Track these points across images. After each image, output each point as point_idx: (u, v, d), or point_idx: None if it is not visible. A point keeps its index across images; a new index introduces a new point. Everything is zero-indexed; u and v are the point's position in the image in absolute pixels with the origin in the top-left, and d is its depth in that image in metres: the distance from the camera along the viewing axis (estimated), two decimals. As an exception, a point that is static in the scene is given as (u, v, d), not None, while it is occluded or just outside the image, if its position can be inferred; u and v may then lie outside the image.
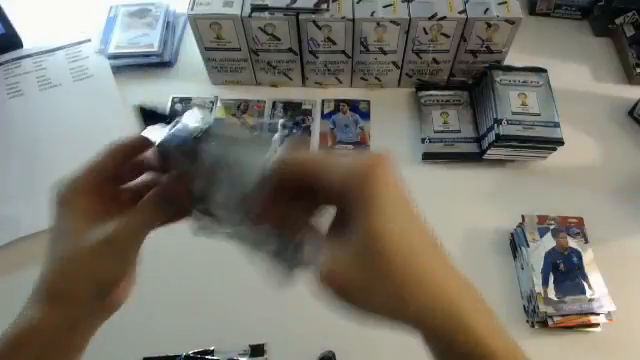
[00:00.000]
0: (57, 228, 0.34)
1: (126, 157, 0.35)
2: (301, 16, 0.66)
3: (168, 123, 0.33)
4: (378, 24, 0.66)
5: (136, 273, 0.37)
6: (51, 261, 0.34)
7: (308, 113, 0.75)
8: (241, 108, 0.76)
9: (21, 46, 0.80)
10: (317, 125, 0.74)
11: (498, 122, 0.65)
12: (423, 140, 0.71)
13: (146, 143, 0.35)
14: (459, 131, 0.71)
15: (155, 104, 0.34)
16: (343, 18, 0.66)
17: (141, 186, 0.36)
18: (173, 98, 0.76)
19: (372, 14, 0.66)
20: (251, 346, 0.56)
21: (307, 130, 0.73)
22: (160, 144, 0.33)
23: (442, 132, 0.71)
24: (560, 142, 0.65)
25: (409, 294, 0.27)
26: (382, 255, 0.27)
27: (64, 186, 0.35)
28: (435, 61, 0.73)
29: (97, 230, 0.33)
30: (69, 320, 0.33)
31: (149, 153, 0.35)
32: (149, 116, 0.34)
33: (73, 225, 0.34)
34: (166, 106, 0.33)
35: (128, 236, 0.33)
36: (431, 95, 0.74)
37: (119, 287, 0.35)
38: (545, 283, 0.57)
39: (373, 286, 0.27)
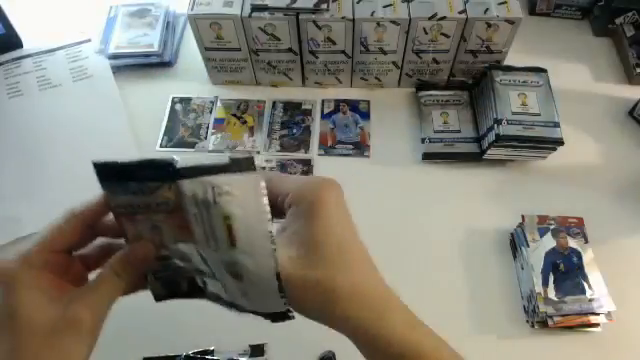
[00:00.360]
0: (5, 312, 0.28)
1: (86, 226, 0.31)
2: (301, 16, 0.66)
3: (130, 178, 0.28)
4: (378, 24, 0.66)
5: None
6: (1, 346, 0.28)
7: (308, 113, 0.75)
8: (241, 108, 0.76)
9: (21, 46, 0.80)
10: (317, 125, 0.74)
11: (498, 122, 0.65)
12: (423, 140, 0.71)
13: (106, 207, 0.30)
14: (459, 131, 0.71)
15: (114, 159, 0.28)
16: (343, 18, 0.66)
17: (95, 251, 0.32)
18: (173, 98, 0.76)
19: (372, 14, 0.66)
20: (251, 346, 0.56)
21: (307, 130, 0.73)
22: (115, 204, 0.29)
23: (442, 132, 0.71)
24: (560, 142, 0.65)
25: (338, 296, 0.30)
26: (319, 245, 0.30)
27: (12, 263, 0.28)
28: (435, 61, 0.73)
29: (53, 313, 0.28)
30: None
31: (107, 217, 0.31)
32: (108, 172, 0.28)
33: (24, 310, 0.28)
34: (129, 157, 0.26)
35: (94, 313, 0.29)
36: (431, 95, 0.74)
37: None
38: (545, 283, 0.57)
39: (309, 283, 0.29)
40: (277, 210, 0.32)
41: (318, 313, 0.31)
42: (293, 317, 0.31)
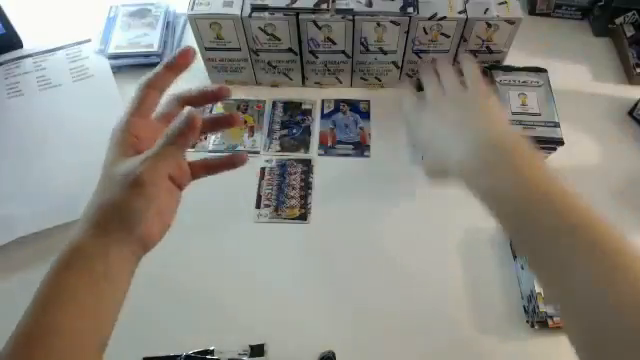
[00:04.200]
0: (105, 159, 0.38)
1: (155, 88, 0.42)
2: (301, 16, 0.66)
3: None
4: (378, 24, 0.66)
5: (172, 216, 0.41)
6: (97, 189, 0.38)
7: (308, 113, 0.75)
8: (241, 108, 0.76)
9: (21, 46, 0.80)
10: (317, 125, 0.74)
11: (498, 122, 0.65)
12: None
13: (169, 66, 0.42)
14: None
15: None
16: (343, 18, 0.66)
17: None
18: (173, 98, 0.76)
19: (372, 14, 0.66)
20: (251, 346, 0.56)
21: (307, 130, 0.73)
22: None
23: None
24: (560, 142, 0.65)
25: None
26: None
27: (116, 125, 0.40)
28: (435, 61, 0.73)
29: (127, 161, 0.37)
30: (103, 246, 0.36)
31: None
32: None
33: (110, 159, 0.38)
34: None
35: (150, 170, 0.36)
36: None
37: (151, 222, 0.37)
38: (545, 283, 0.57)
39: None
40: None
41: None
42: None
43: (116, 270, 0.36)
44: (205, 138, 0.72)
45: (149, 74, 0.42)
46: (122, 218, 0.36)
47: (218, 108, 0.75)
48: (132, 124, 0.40)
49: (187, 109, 0.37)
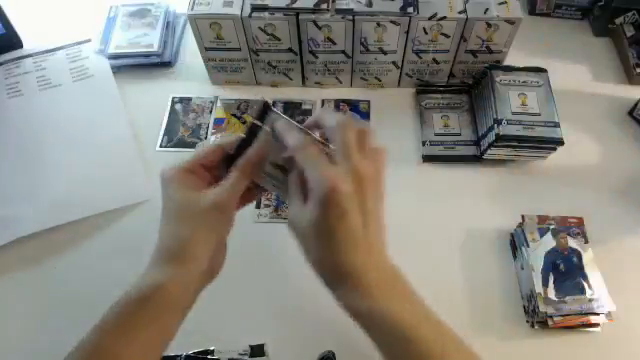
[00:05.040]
0: (169, 200, 0.41)
1: (221, 154, 0.43)
2: (301, 16, 0.66)
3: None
4: (378, 24, 0.66)
5: (225, 252, 0.45)
6: (168, 228, 0.40)
7: (308, 113, 0.75)
8: (241, 108, 0.76)
9: (21, 46, 0.80)
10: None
11: (498, 122, 0.65)
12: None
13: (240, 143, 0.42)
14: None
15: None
16: (343, 18, 0.66)
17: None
18: (173, 98, 0.76)
19: (372, 14, 0.66)
20: (251, 346, 0.56)
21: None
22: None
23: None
24: (560, 142, 0.65)
25: (344, 252, 0.37)
26: (331, 227, 0.37)
27: (169, 168, 0.41)
28: (435, 61, 0.73)
29: (202, 197, 0.39)
30: (188, 278, 0.39)
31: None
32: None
33: (182, 195, 0.40)
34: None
35: (229, 196, 0.40)
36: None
37: (216, 257, 0.42)
38: (545, 283, 0.57)
39: (320, 241, 0.37)
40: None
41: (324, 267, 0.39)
42: None
43: (190, 301, 0.41)
44: (205, 138, 0.72)
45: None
46: (206, 247, 0.40)
47: (218, 109, 0.75)
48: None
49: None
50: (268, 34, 0.68)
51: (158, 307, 0.38)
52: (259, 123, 0.42)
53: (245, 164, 0.41)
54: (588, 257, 0.58)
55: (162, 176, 0.41)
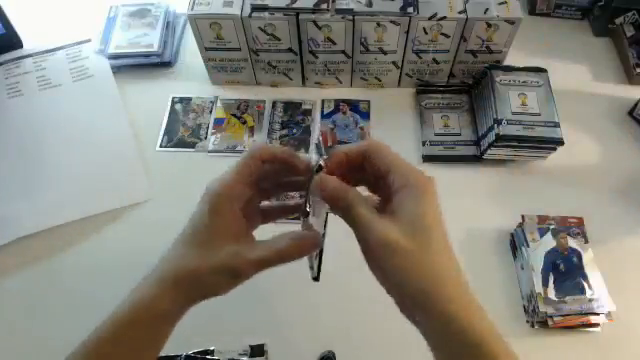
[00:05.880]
0: (198, 227, 0.38)
1: (266, 160, 0.41)
2: (301, 16, 0.66)
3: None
4: (378, 24, 0.66)
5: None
6: (182, 254, 0.37)
7: (308, 113, 0.75)
8: (241, 108, 0.76)
9: (21, 46, 0.80)
10: (317, 125, 0.74)
11: (498, 122, 0.65)
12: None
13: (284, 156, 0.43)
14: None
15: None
16: (343, 18, 0.66)
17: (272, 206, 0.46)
18: (173, 98, 0.76)
19: (372, 14, 0.66)
20: (251, 346, 0.56)
21: (307, 130, 0.73)
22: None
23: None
24: (560, 142, 0.65)
25: (434, 270, 0.35)
26: (425, 228, 0.35)
27: (216, 190, 0.38)
28: (435, 61, 0.73)
29: (226, 252, 0.37)
30: (188, 302, 0.37)
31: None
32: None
33: (211, 236, 0.37)
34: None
35: (249, 268, 0.37)
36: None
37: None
38: (545, 283, 0.57)
39: (414, 252, 0.34)
40: (373, 176, 0.40)
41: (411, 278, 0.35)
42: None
43: (179, 319, 0.39)
44: (205, 138, 0.72)
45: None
46: (202, 293, 0.38)
47: (218, 109, 0.75)
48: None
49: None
50: (268, 34, 0.68)
51: (151, 327, 0.37)
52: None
53: (301, 244, 0.39)
54: (588, 257, 0.58)
55: (208, 200, 0.38)
